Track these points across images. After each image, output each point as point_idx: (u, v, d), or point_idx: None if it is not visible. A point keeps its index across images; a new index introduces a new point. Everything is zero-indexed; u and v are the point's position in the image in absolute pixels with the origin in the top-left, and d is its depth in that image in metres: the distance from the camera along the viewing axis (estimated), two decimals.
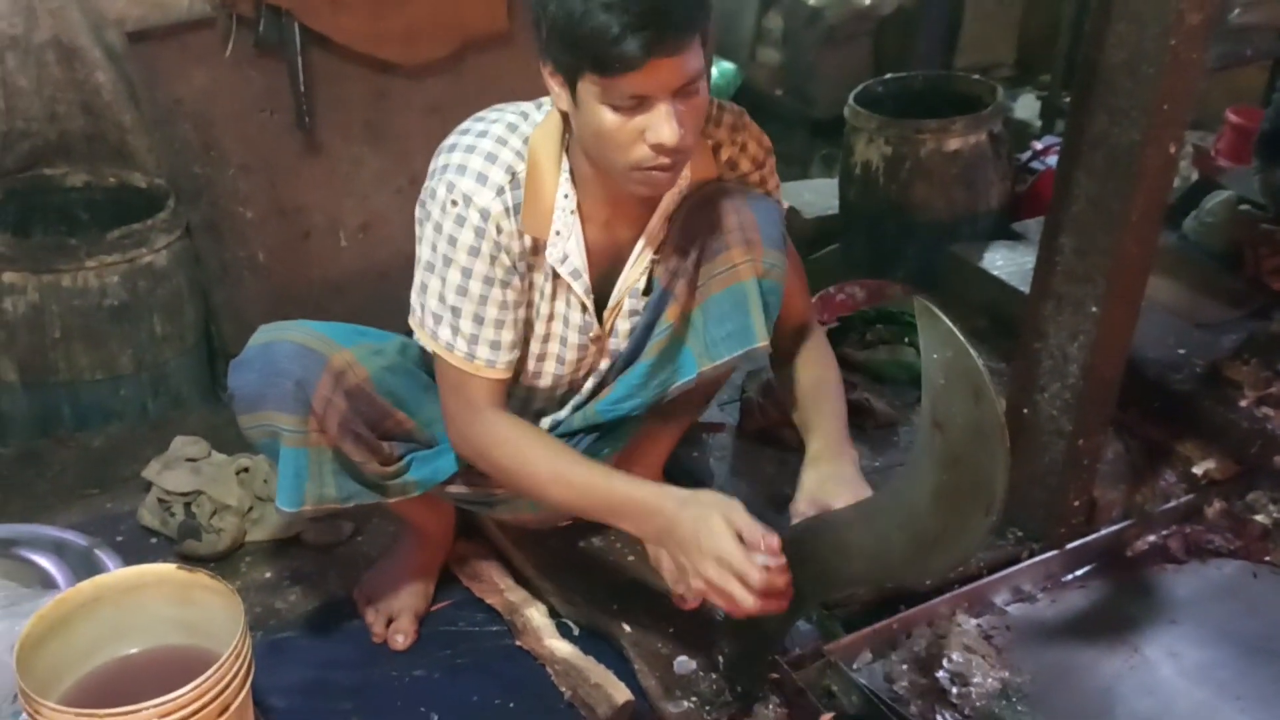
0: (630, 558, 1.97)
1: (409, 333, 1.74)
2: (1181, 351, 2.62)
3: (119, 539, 2.01)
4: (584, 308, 1.66)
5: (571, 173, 1.56)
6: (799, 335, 1.78)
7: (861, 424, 2.43)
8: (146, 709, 1.38)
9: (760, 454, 2.34)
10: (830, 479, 1.57)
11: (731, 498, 1.46)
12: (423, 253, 1.59)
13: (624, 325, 1.70)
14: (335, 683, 1.78)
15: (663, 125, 1.40)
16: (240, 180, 2.75)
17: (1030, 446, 2.12)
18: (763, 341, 1.61)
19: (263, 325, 1.69)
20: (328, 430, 1.61)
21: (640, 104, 1.40)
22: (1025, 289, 2.85)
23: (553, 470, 1.58)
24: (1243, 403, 2.43)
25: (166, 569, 1.61)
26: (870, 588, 1.66)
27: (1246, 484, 2.39)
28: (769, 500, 2.22)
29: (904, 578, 1.43)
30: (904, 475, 1.29)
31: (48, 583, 1.81)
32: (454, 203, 1.53)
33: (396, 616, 1.86)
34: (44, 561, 1.85)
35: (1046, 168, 3.76)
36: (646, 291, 1.68)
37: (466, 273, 1.56)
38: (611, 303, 1.68)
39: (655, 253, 1.66)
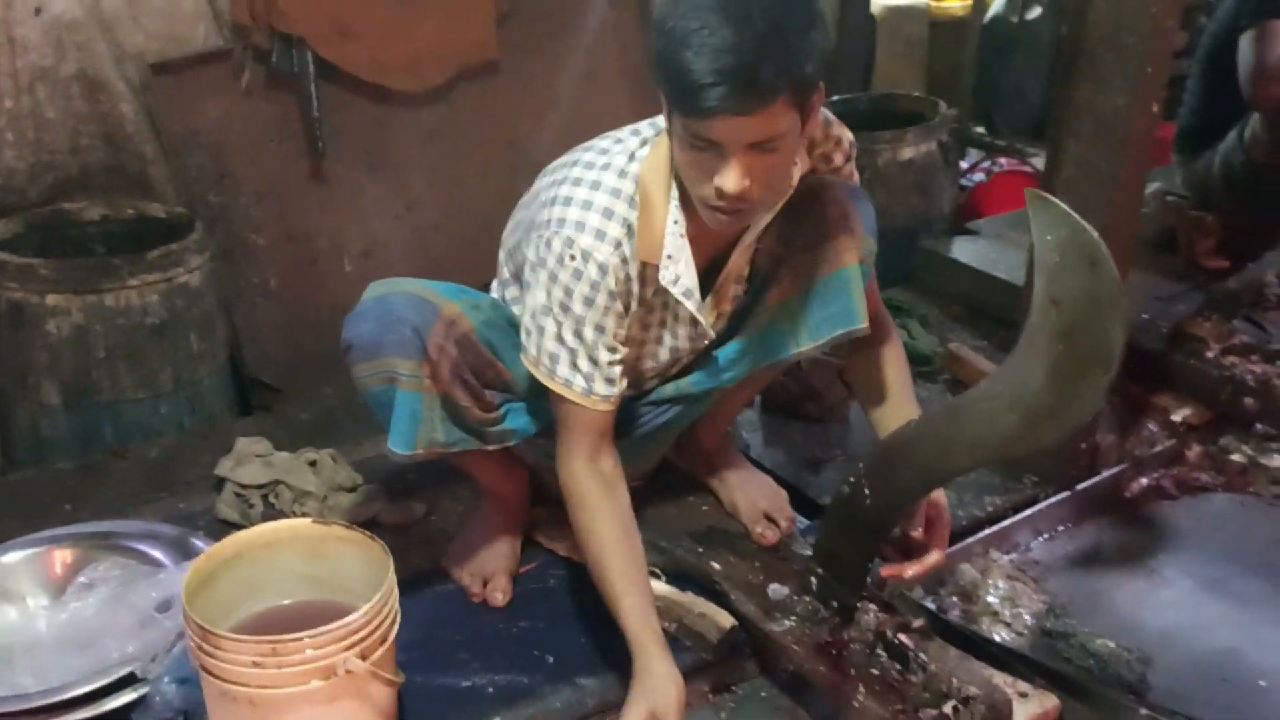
0: (705, 508, 2.09)
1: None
2: (1146, 316, 2.87)
3: (200, 533, 2.05)
4: (695, 321, 1.77)
5: (680, 196, 1.65)
6: (876, 324, 1.86)
7: None
8: (329, 631, 1.45)
9: (786, 425, 2.49)
10: None
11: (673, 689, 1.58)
12: (537, 298, 1.66)
13: (727, 308, 1.82)
14: (444, 638, 1.84)
15: (728, 174, 1.49)
16: (253, 208, 2.84)
17: None
18: (864, 323, 1.76)
19: (373, 282, 1.79)
20: (440, 376, 1.71)
21: (712, 147, 1.50)
22: (995, 274, 3.12)
23: (601, 555, 1.68)
24: (1209, 354, 2.68)
25: (301, 523, 1.68)
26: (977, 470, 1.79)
27: (1220, 427, 2.63)
28: (804, 464, 2.38)
29: (1014, 454, 1.57)
30: (1012, 360, 1.45)
31: (153, 565, 1.85)
32: (572, 257, 1.62)
33: (491, 577, 1.94)
34: (144, 548, 1.89)
35: (975, 183, 4.08)
36: (750, 276, 1.81)
37: (580, 320, 1.65)
38: (716, 289, 1.78)
39: (758, 241, 1.77)
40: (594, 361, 1.67)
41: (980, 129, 5.18)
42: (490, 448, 1.81)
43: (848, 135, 1.84)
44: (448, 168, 3.13)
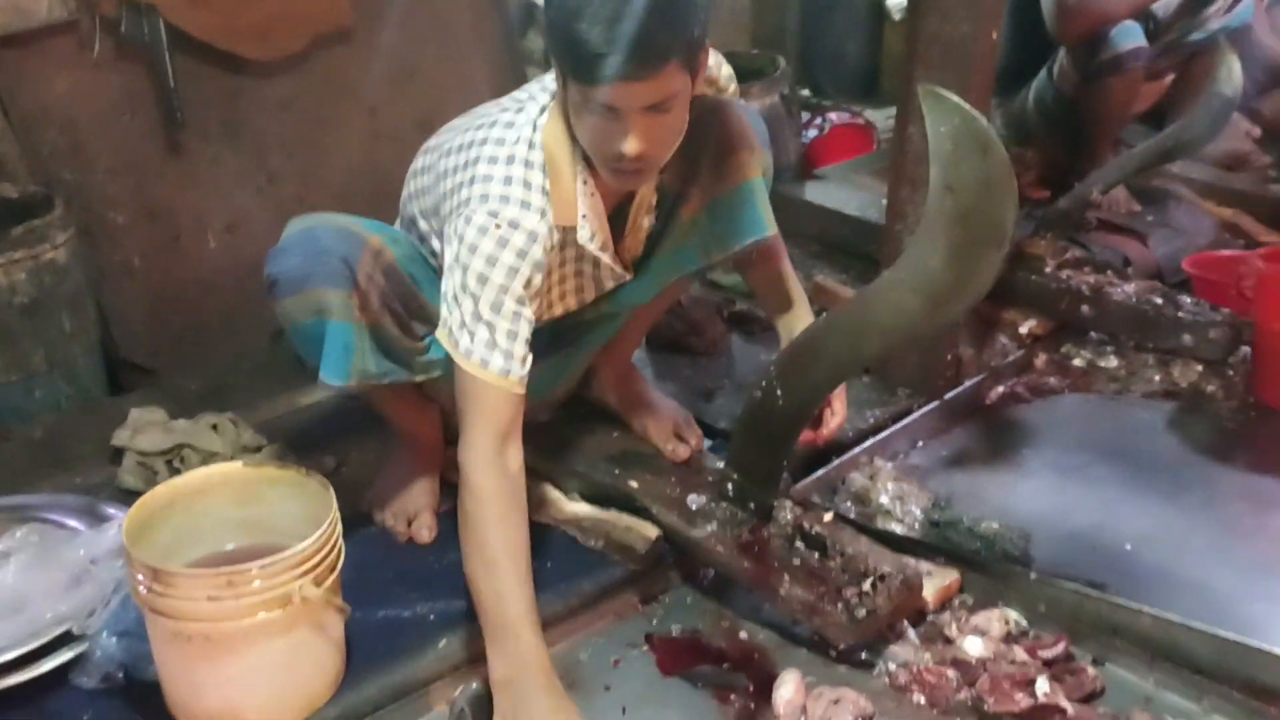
0: (616, 433, 2.16)
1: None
2: None
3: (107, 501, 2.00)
4: (613, 270, 1.83)
5: (585, 156, 1.69)
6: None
7: (751, 330, 2.75)
8: (283, 560, 1.47)
9: (674, 360, 2.60)
10: None
11: None
12: (454, 277, 1.64)
13: (641, 237, 1.88)
14: (378, 577, 1.86)
15: (627, 137, 1.58)
16: (109, 184, 2.76)
17: None
18: (773, 230, 1.86)
19: (294, 217, 1.80)
20: (369, 306, 1.73)
21: (609, 113, 1.57)
22: (848, 212, 3.30)
23: (494, 558, 1.58)
24: (1047, 270, 2.91)
25: (233, 466, 1.68)
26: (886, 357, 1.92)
27: (1061, 337, 2.87)
28: (696, 394, 2.48)
29: (920, 336, 1.69)
30: (912, 248, 1.57)
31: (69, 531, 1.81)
32: (497, 226, 1.62)
33: (414, 516, 1.97)
34: (55, 516, 1.84)
35: (810, 139, 4.28)
36: (658, 203, 1.87)
37: (503, 290, 1.63)
38: (629, 225, 1.84)
39: (662, 171, 1.81)
40: (513, 337, 1.64)
41: (806, 91, 5.40)
42: (418, 379, 1.84)
43: (723, 59, 1.94)
44: (307, 138, 3.09)
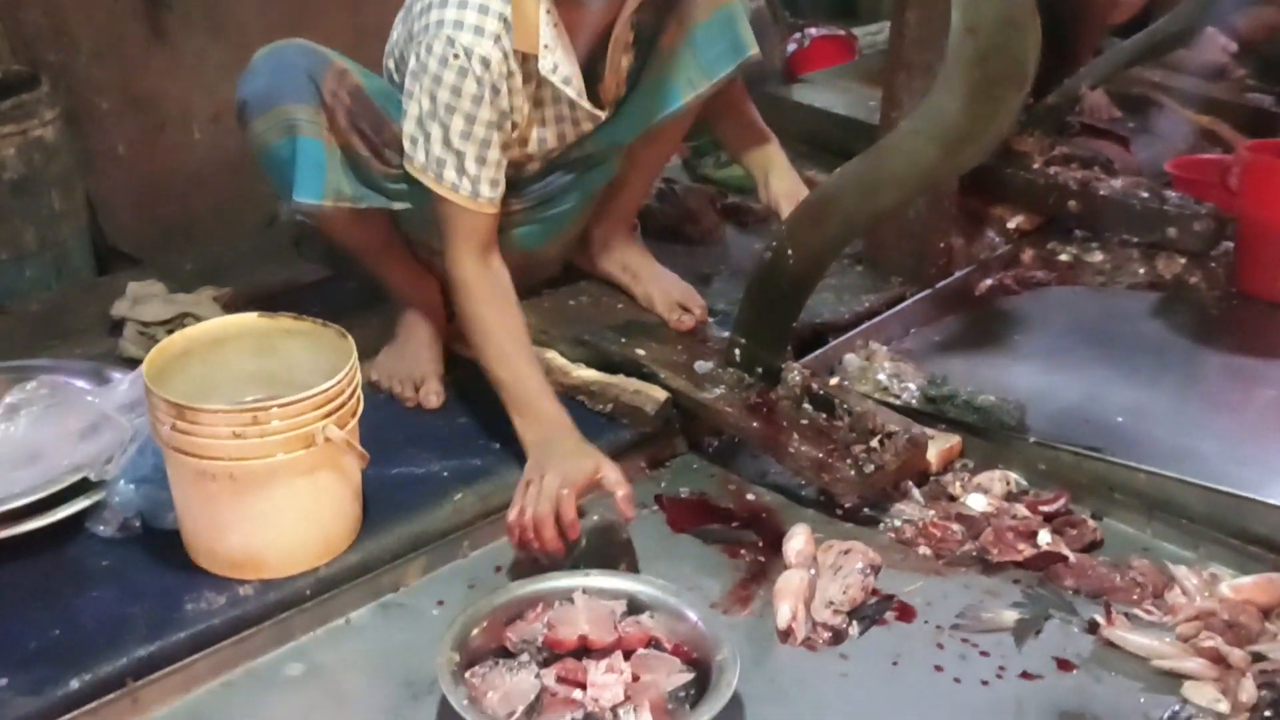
0: (620, 305, 2.17)
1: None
2: None
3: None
4: (588, 110, 1.84)
5: None
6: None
7: (744, 221, 2.76)
8: (307, 399, 1.47)
9: (670, 248, 2.59)
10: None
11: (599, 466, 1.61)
12: (421, 105, 1.72)
13: (621, 76, 1.88)
14: (389, 439, 1.85)
15: None
16: (93, 68, 2.72)
17: None
18: (754, 50, 1.87)
19: (262, 46, 1.83)
20: (337, 125, 1.76)
21: None
22: (835, 111, 3.31)
23: (501, 346, 1.74)
24: (1035, 166, 2.93)
25: (248, 318, 1.67)
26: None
27: (1048, 233, 2.90)
28: (694, 279, 2.48)
29: (934, 184, 1.71)
30: (929, 98, 1.58)
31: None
32: (455, 56, 1.69)
33: (422, 382, 1.97)
34: (63, 378, 1.82)
35: (791, 51, 4.27)
36: (635, 40, 1.88)
37: (471, 118, 1.72)
38: (608, 65, 1.84)
39: (636, 9, 1.82)
40: (482, 162, 1.74)
41: (784, 11, 5.36)
42: (395, 206, 1.85)
43: None
44: (291, 32, 3.01)
